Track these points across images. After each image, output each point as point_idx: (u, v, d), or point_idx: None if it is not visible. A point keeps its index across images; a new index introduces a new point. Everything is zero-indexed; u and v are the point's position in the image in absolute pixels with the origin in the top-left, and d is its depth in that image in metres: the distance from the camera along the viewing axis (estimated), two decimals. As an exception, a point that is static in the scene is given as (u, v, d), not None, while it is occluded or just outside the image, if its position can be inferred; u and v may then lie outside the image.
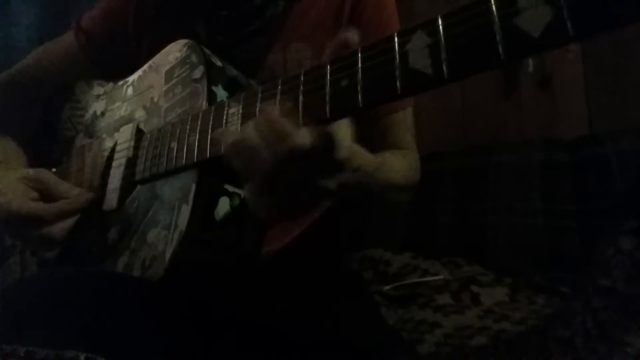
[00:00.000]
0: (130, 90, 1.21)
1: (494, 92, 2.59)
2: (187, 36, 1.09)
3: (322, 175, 0.76)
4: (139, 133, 1.11)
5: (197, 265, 0.94)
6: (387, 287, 1.92)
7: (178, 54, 1.08)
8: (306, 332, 1.01)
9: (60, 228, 1.10)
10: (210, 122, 0.87)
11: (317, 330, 1.01)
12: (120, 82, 1.26)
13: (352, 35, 0.70)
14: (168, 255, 0.90)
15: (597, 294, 1.51)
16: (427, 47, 0.58)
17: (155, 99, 1.11)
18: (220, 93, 0.97)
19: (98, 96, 1.31)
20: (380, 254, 2.18)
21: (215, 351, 0.98)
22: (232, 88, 1.00)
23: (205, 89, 0.96)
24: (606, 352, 1.28)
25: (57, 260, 1.15)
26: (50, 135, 1.41)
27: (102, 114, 1.27)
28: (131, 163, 1.08)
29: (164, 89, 1.08)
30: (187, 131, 0.92)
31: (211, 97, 0.96)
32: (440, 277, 1.94)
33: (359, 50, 0.65)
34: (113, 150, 1.16)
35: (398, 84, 0.60)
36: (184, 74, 1.04)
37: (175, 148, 0.94)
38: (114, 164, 1.14)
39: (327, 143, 0.72)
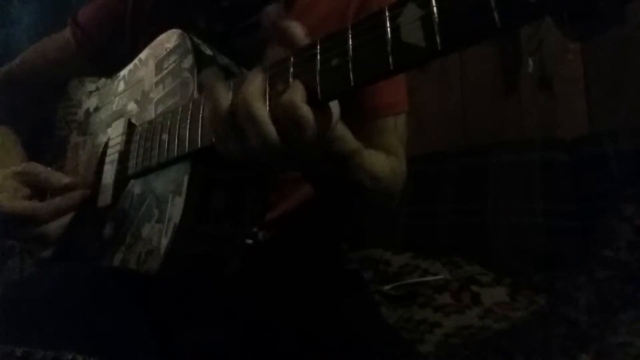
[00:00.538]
0: (122, 85, 1.20)
1: (494, 92, 2.59)
2: (185, 27, 1.08)
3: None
4: (130, 127, 1.10)
5: (190, 259, 0.93)
6: (387, 287, 1.92)
7: (167, 45, 1.06)
8: (306, 331, 1.00)
9: (55, 226, 1.09)
10: (201, 112, 0.85)
11: (317, 330, 1.01)
12: (112, 78, 1.25)
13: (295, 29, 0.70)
14: (163, 249, 0.88)
15: (600, 265, 1.50)
16: (419, 19, 0.56)
17: (147, 92, 1.10)
18: None
19: (90, 93, 1.30)
20: (380, 254, 2.18)
21: (213, 349, 0.97)
22: (224, 77, 0.99)
23: (195, 78, 0.95)
24: (606, 323, 1.27)
25: (53, 258, 1.14)
26: (44, 135, 1.40)
27: (95, 110, 1.26)
28: (123, 158, 1.07)
29: (155, 80, 1.07)
30: (178, 122, 0.91)
31: (202, 86, 0.94)
32: (440, 277, 1.94)
33: (349, 27, 0.64)
34: (106, 146, 1.15)
35: (390, 59, 0.58)
36: (173, 65, 1.02)
37: (166, 140, 0.93)
38: (107, 159, 1.13)
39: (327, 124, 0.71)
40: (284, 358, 0.97)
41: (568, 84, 2.42)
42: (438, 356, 1.51)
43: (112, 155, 1.11)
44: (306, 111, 0.65)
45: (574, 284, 1.54)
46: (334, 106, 0.72)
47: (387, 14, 0.59)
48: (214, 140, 0.77)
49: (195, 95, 0.93)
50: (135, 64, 1.18)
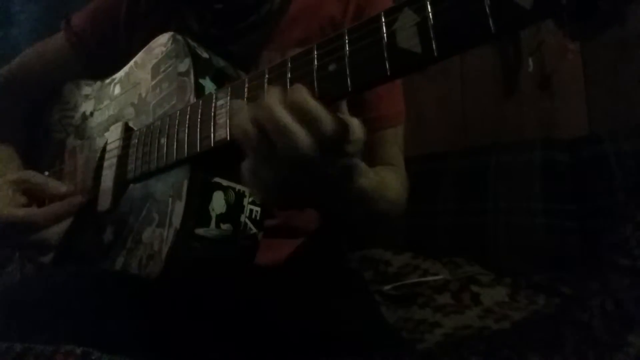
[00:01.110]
0: (117, 88, 1.20)
1: (494, 92, 2.58)
2: (180, 30, 1.08)
3: (331, 166, 0.71)
4: (128, 131, 1.10)
5: (193, 262, 0.93)
6: (387, 287, 1.91)
7: (163, 48, 1.06)
8: (306, 331, 1.00)
9: (54, 232, 1.10)
10: (199, 116, 0.85)
11: (317, 330, 1.01)
12: (107, 81, 1.25)
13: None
14: (164, 254, 0.89)
15: (616, 273, 1.49)
16: (415, 25, 0.56)
17: (143, 96, 1.10)
18: (208, 85, 0.96)
19: (86, 96, 1.30)
20: (380, 254, 2.18)
21: (213, 350, 0.97)
22: (220, 79, 0.99)
23: (193, 82, 0.95)
24: (624, 331, 1.26)
25: (53, 264, 1.14)
26: (41, 138, 1.40)
27: (91, 114, 1.26)
28: (122, 162, 1.07)
29: (151, 84, 1.07)
30: (176, 126, 0.91)
31: (199, 90, 0.94)
32: (440, 277, 1.94)
33: (346, 32, 0.64)
34: (104, 150, 1.15)
35: (387, 65, 0.58)
36: (170, 68, 1.02)
37: (165, 144, 0.93)
38: (106, 164, 1.13)
39: (344, 132, 0.68)
40: (284, 358, 0.97)
41: (568, 84, 2.41)
42: (438, 356, 1.51)
43: (111, 160, 1.11)
44: (315, 103, 0.64)
45: (586, 290, 1.53)
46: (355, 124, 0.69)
47: (383, 19, 0.60)
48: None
49: (193, 99, 0.93)
50: (130, 67, 1.18)
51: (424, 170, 2.38)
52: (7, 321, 0.85)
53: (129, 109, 1.13)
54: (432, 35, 0.54)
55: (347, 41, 0.63)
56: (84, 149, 1.24)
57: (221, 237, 0.94)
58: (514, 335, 1.46)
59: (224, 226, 0.94)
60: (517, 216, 2.11)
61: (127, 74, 1.18)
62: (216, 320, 1.02)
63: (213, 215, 0.91)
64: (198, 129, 0.85)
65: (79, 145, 1.26)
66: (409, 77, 0.67)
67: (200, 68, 0.97)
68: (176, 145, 0.90)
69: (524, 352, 1.27)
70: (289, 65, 0.70)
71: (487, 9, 0.50)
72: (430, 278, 1.93)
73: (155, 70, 1.07)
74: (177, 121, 0.91)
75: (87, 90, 1.32)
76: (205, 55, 1.01)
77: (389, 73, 0.58)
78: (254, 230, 1.00)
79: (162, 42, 1.08)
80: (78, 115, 1.31)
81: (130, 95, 1.14)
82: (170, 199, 0.91)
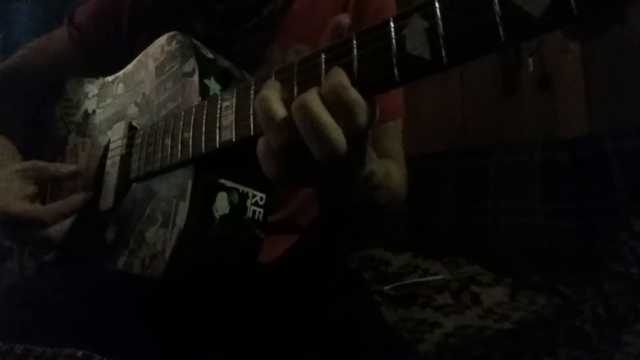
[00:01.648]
0: (121, 87, 1.19)
1: (494, 92, 2.59)
2: (183, 31, 1.08)
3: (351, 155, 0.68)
4: (131, 130, 1.09)
5: (196, 263, 0.93)
6: (387, 287, 1.92)
7: (168, 48, 1.06)
8: (307, 331, 1.00)
9: (57, 229, 1.09)
10: (204, 117, 0.85)
11: (317, 330, 1.00)
12: (111, 79, 1.24)
13: (344, 19, 0.67)
14: (167, 254, 0.88)
15: (609, 279, 1.50)
16: (424, 32, 0.56)
17: (147, 95, 1.09)
18: (213, 86, 0.96)
19: (89, 94, 1.30)
20: (380, 254, 2.18)
21: (213, 350, 0.97)
22: (225, 80, 0.99)
23: (198, 82, 0.95)
24: (619, 337, 1.27)
25: (55, 261, 1.14)
26: (41, 135, 1.39)
27: (94, 111, 1.26)
28: (125, 161, 1.07)
29: (155, 84, 1.07)
30: (181, 127, 0.90)
31: (204, 90, 0.94)
32: (440, 277, 1.94)
33: (354, 37, 0.64)
34: (107, 148, 1.15)
35: (396, 70, 0.58)
36: (174, 68, 1.02)
37: (169, 144, 0.93)
38: (108, 162, 1.12)
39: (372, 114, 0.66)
40: (284, 358, 0.97)
41: (568, 84, 2.42)
42: (438, 356, 1.51)
43: (114, 159, 1.11)
44: (356, 93, 0.61)
45: (581, 296, 1.54)
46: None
47: (392, 24, 0.60)
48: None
49: (198, 99, 0.93)
50: (134, 65, 1.17)
51: (424, 170, 2.40)
52: (7, 322, 0.84)
53: (132, 107, 1.13)
54: (441, 42, 0.54)
55: (355, 45, 0.63)
56: (86, 147, 1.23)
57: (224, 238, 0.94)
58: (510, 339, 1.47)
59: (227, 227, 0.94)
60: (517, 216, 2.12)
61: (131, 73, 1.18)
62: (217, 322, 1.02)
63: (217, 216, 0.91)
64: (203, 130, 0.85)
65: (81, 143, 1.26)
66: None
67: (205, 68, 0.97)
68: (181, 145, 0.89)
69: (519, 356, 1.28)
70: (296, 68, 0.70)
71: (497, 18, 0.50)
72: (430, 278, 1.94)
73: (159, 70, 1.07)
74: (182, 121, 0.91)
75: (89, 87, 1.31)
76: (210, 55, 1.01)
77: (397, 79, 0.58)
78: (257, 231, 1.00)
79: (166, 41, 1.07)
80: (80, 113, 1.30)
81: (134, 94, 1.13)
82: (174, 200, 0.91)
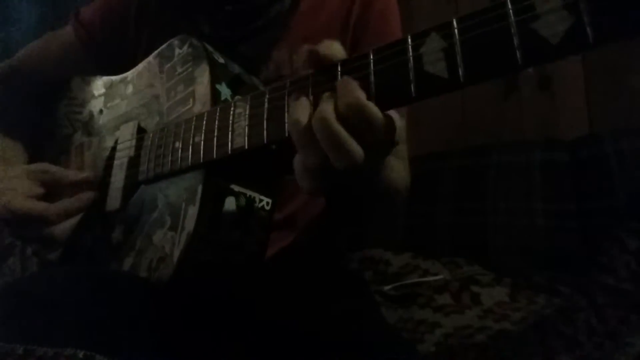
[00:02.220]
0: (130, 88, 1.19)
1: (494, 92, 2.59)
2: (189, 31, 1.08)
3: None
4: (140, 132, 1.10)
5: (200, 266, 0.93)
6: (387, 287, 1.92)
7: (179, 51, 1.06)
8: (307, 331, 1.00)
9: (62, 228, 1.10)
10: (216, 123, 0.86)
11: (317, 330, 1.01)
12: (119, 79, 1.24)
13: (338, 52, 0.69)
14: (176, 257, 0.89)
15: (602, 291, 1.51)
16: (442, 51, 0.57)
17: (157, 97, 1.10)
18: (224, 91, 0.96)
19: (95, 93, 1.30)
20: (380, 254, 2.18)
21: (215, 350, 0.98)
22: (236, 85, 0.99)
23: (209, 87, 0.95)
24: (612, 348, 1.28)
25: (59, 261, 1.14)
26: (46, 133, 1.39)
27: (101, 111, 1.26)
28: (133, 163, 1.07)
29: (166, 86, 1.07)
30: (192, 131, 0.91)
31: (215, 95, 0.95)
32: (440, 277, 1.94)
33: (371, 52, 0.65)
34: (114, 149, 1.15)
35: (412, 87, 0.59)
36: (186, 72, 1.02)
37: (180, 148, 0.94)
38: (116, 163, 1.13)
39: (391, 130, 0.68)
40: (284, 358, 0.98)
41: (568, 84, 2.42)
42: (438, 356, 1.52)
43: (121, 160, 1.11)
44: (374, 107, 0.63)
45: (575, 306, 1.55)
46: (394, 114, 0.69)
47: (410, 42, 0.60)
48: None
49: (209, 104, 0.94)
50: (144, 66, 1.17)
51: (423, 170, 2.39)
52: (9, 322, 0.84)
53: (141, 109, 1.13)
54: (459, 62, 0.55)
55: (372, 60, 0.64)
56: (92, 146, 1.23)
57: (231, 242, 0.95)
58: (507, 342, 1.48)
59: (234, 231, 0.94)
60: (517, 216, 2.12)
61: (140, 74, 1.18)
62: (219, 323, 1.02)
63: (224, 220, 0.92)
64: (215, 136, 0.85)
65: (87, 142, 1.26)
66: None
67: (217, 73, 0.97)
68: (191, 150, 0.90)
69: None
70: (311, 79, 0.71)
71: (515, 41, 0.51)
72: (430, 278, 1.94)
73: (170, 73, 1.07)
74: (192, 126, 0.91)
75: (96, 86, 1.31)
76: (221, 60, 1.01)
77: (414, 95, 0.59)
78: (263, 235, 1.01)
79: (177, 44, 1.07)
80: (86, 112, 1.30)
81: (143, 95, 1.14)
82: (183, 203, 0.92)
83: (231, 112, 0.84)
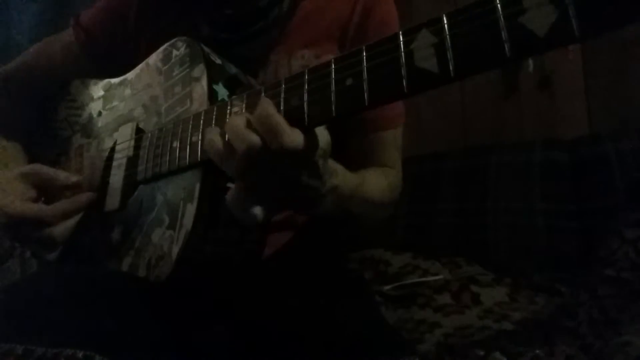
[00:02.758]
0: (128, 89, 1.20)
1: (494, 92, 2.59)
2: (188, 34, 1.09)
3: (305, 177, 0.78)
4: (138, 132, 1.10)
5: (199, 264, 0.94)
6: (387, 287, 1.92)
7: (176, 52, 1.07)
8: (307, 331, 1.00)
9: (61, 229, 1.09)
10: (213, 121, 0.86)
11: (317, 330, 1.01)
12: (117, 81, 1.25)
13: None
14: (174, 255, 0.89)
15: (602, 283, 1.51)
16: (432, 46, 0.58)
17: (155, 98, 1.10)
18: (222, 91, 0.97)
19: (94, 95, 1.30)
20: (380, 254, 2.18)
21: (214, 349, 0.98)
22: (233, 86, 1.00)
23: (206, 87, 0.96)
24: (612, 336, 1.28)
25: (58, 261, 1.15)
26: (46, 135, 1.40)
27: (99, 113, 1.26)
28: (132, 163, 1.08)
29: (164, 87, 1.08)
30: (190, 130, 0.92)
31: (212, 95, 0.95)
32: (440, 277, 1.94)
33: (363, 49, 0.65)
34: (112, 150, 1.16)
35: (404, 82, 0.60)
36: (183, 73, 1.03)
37: (177, 147, 0.94)
38: (114, 164, 1.13)
39: (312, 145, 0.74)
40: (284, 358, 0.98)
41: (568, 84, 2.42)
42: (438, 356, 1.51)
43: (120, 160, 1.11)
44: (279, 117, 0.69)
45: (576, 299, 1.56)
46: (322, 134, 0.75)
47: (401, 38, 0.61)
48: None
49: (206, 104, 0.94)
50: (142, 68, 1.18)
51: (423, 170, 2.40)
52: (8, 322, 0.85)
53: (139, 110, 1.13)
54: (449, 57, 0.56)
55: (364, 57, 0.65)
56: (91, 148, 1.24)
57: (229, 240, 0.95)
58: (506, 339, 1.48)
59: (232, 229, 0.95)
60: (517, 216, 2.12)
61: (138, 76, 1.18)
62: (217, 322, 1.02)
63: (223, 218, 0.93)
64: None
65: (86, 144, 1.26)
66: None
67: (214, 74, 0.98)
68: (189, 149, 0.90)
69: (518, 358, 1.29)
70: (306, 77, 0.72)
71: (503, 35, 0.52)
72: (430, 278, 1.94)
73: (168, 74, 1.08)
74: (190, 125, 0.92)
75: (95, 89, 1.31)
76: (218, 61, 1.02)
77: (405, 90, 0.60)
78: (261, 232, 1.02)
79: (175, 45, 1.08)
80: (85, 114, 1.30)
81: (142, 96, 1.14)
82: (181, 202, 0.92)
83: (228, 111, 0.84)
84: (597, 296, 1.49)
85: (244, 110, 0.81)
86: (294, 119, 0.70)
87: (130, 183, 1.07)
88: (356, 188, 1.00)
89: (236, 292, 1.04)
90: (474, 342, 1.51)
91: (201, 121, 0.89)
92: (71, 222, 1.10)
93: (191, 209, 0.90)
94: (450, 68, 0.56)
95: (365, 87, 0.63)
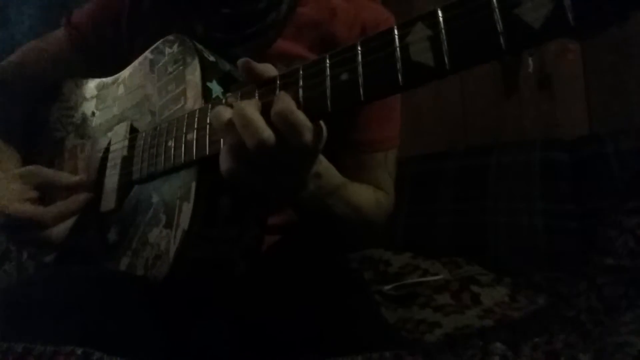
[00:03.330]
0: (121, 89, 1.19)
1: (494, 92, 2.59)
2: (182, 32, 1.08)
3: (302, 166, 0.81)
4: (133, 132, 1.10)
5: (198, 263, 0.94)
6: (387, 287, 1.91)
7: (170, 50, 1.06)
8: (307, 331, 1.00)
9: (57, 230, 1.09)
10: (208, 119, 0.86)
11: (317, 330, 1.01)
12: (110, 80, 1.24)
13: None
14: (172, 255, 0.89)
15: (601, 272, 1.51)
16: (427, 40, 0.58)
17: (148, 97, 1.10)
18: (216, 88, 0.96)
19: (87, 95, 1.30)
20: (380, 254, 2.18)
21: (214, 349, 0.98)
22: (227, 83, 0.99)
23: (200, 85, 0.95)
24: (611, 323, 1.28)
25: (55, 263, 1.14)
26: (39, 136, 1.39)
27: (93, 113, 1.26)
28: (127, 163, 1.07)
29: (157, 86, 1.07)
30: (184, 129, 0.91)
31: (206, 93, 0.95)
32: (440, 277, 1.94)
33: (358, 44, 0.65)
34: (107, 150, 1.15)
35: (400, 76, 0.60)
36: (177, 71, 1.02)
37: (172, 146, 0.93)
38: (109, 164, 1.13)
39: (319, 138, 0.75)
40: (284, 357, 0.98)
41: (568, 84, 2.41)
42: (438, 347, 1.51)
43: (115, 160, 1.11)
44: (301, 114, 0.69)
45: (576, 289, 1.55)
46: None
47: (396, 32, 0.61)
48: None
49: (201, 101, 0.94)
50: (135, 67, 1.18)
51: (423, 170, 2.38)
52: (8, 321, 0.84)
53: (133, 109, 1.13)
54: (444, 50, 0.56)
55: (360, 52, 0.64)
56: (86, 149, 1.23)
57: (227, 238, 0.95)
58: (507, 331, 1.47)
59: (231, 226, 0.95)
60: (517, 216, 2.12)
61: (132, 75, 1.18)
62: (216, 320, 1.02)
63: (220, 216, 0.92)
64: (207, 132, 0.85)
65: (80, 145, 1.26)
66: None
67: (208, 71, 0.97)
68: (184, 147, 0.90)
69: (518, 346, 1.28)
70: (301, 72, 0.71)
71: (498, 27, 0.51)
72: (430, 278, 1.93)
73: (161, 72, 1.07)
74: (185, 123, 0.91)
75: (88, 88, 1.31)
76: (211, 58, 1.01)
77: (401, 84, 0.60)
78: (258, 231, 1.01)
79: (168, 43, 1.07)
80: (79, 114, 1.30)
81: (135, 95, 1.13)
82: (178, 201, 0.92)
83: None
84: (596, 284, 1.49)
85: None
86: None
87: (126, 183, 1.07)
88: (338, 187, 1.02)
89: (235, 291, 1.04)
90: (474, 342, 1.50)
91: (196, 119, 0.89)
92: (68, 224, 1.10)
93: (188, 208, 0.89)
94: (446, 61, 0.56)
95: (360, 81, 0.63)
